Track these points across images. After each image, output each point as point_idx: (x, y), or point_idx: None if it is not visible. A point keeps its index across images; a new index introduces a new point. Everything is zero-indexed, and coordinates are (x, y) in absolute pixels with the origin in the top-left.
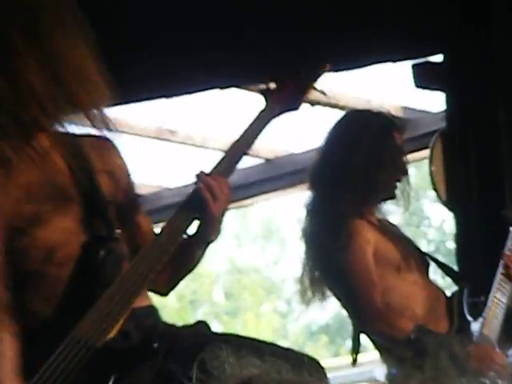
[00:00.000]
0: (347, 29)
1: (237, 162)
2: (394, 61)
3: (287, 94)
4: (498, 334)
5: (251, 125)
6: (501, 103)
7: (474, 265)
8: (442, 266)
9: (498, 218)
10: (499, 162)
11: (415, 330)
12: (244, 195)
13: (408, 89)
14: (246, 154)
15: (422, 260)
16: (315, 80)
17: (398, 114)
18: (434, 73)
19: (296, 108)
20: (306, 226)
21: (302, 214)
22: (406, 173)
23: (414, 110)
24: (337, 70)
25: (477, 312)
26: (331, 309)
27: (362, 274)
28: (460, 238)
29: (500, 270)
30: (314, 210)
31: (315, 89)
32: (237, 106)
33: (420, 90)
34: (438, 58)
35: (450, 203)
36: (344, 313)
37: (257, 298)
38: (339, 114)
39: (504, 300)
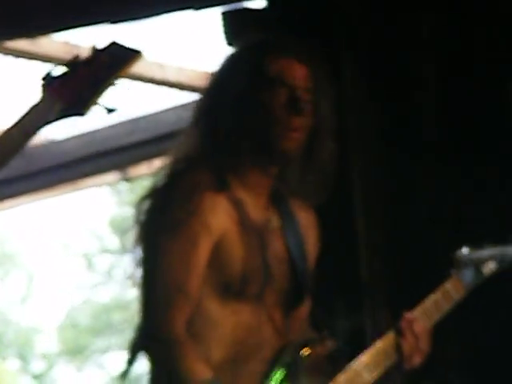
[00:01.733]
0: None
1: None
2: (197, 8)
3: (71, 86)
4: None
5: (17, 124)
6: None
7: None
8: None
9: None
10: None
11: (203, 383)
12: None
13: (218, 47)
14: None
15: (292, 293)
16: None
17: (202, 83)
18: (255, 24)
19: (81, 112)
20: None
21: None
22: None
23: None
24: (116, 21)
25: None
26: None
27: (176, 271)
28: None
29: (389, 333)
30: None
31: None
32: None
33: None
34: (260, 3)
35: None
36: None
37: None
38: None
39: (366, 377)
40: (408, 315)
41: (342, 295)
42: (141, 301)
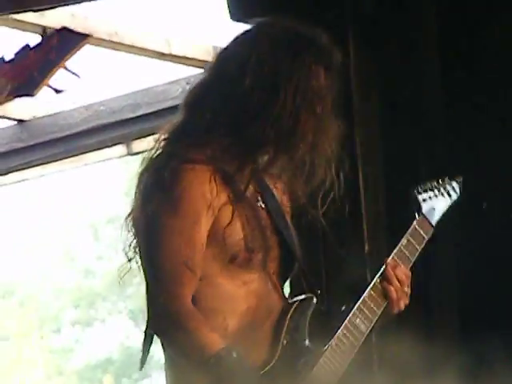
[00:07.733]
0: None
1: None
2: None
3: (22, 68)
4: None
5: None
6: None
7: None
8: (305, 274)
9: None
10: None
11: (219, 353)
12: None
13: (221, 22)
14: None
15: (283, 259)
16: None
17: (207, 58)
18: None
19: (31, 93)
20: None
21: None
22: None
23: None
24: None
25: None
26: (114, 337)
27: (179, 249)
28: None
29: (375, 281)
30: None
31: (67, 69)
32: None
33: (239, 25)
34: None
35: None
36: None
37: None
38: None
39: (362, 329)
40: (391, 261)
41: None
42: (147, 280)
